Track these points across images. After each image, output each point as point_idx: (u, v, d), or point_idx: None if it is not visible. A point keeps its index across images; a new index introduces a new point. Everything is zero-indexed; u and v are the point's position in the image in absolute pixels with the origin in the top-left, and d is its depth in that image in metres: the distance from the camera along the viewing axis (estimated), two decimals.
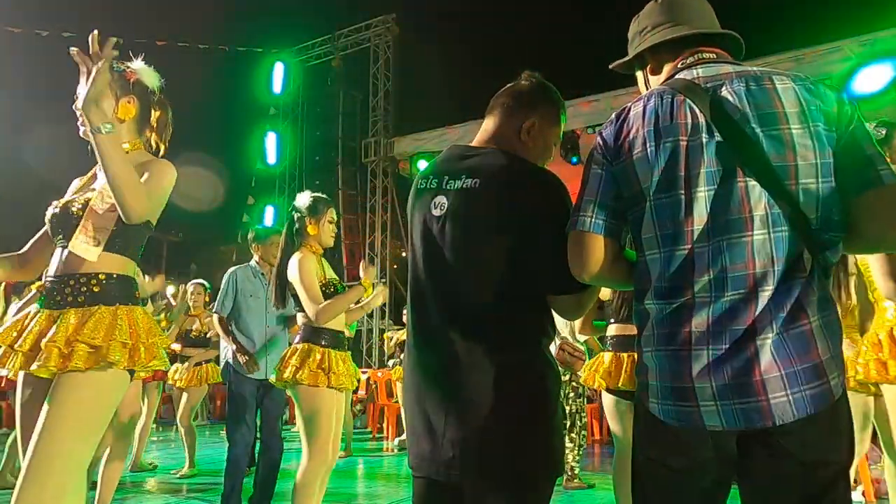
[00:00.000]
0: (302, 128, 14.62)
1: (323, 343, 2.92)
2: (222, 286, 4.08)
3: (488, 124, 1.63)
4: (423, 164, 9.88)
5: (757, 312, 1.13)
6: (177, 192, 1.96)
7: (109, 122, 1.70)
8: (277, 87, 14.02)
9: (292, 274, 2.89)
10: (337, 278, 3.05)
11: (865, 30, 7.22)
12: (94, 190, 1.87)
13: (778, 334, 1.12)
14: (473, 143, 1.63)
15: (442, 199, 1.53)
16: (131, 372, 1.81)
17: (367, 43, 13.06)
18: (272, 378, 3.01)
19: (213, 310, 4.18)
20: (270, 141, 14.02)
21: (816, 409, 1.11)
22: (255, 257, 4.15)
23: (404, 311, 5.52)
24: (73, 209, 1.82)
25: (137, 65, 1.97)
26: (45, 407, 1.67)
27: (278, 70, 13.94)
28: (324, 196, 3.11)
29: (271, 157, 14.03)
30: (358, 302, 3.07)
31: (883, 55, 6.88)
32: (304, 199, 3.08)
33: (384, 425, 8.02)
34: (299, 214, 3.05)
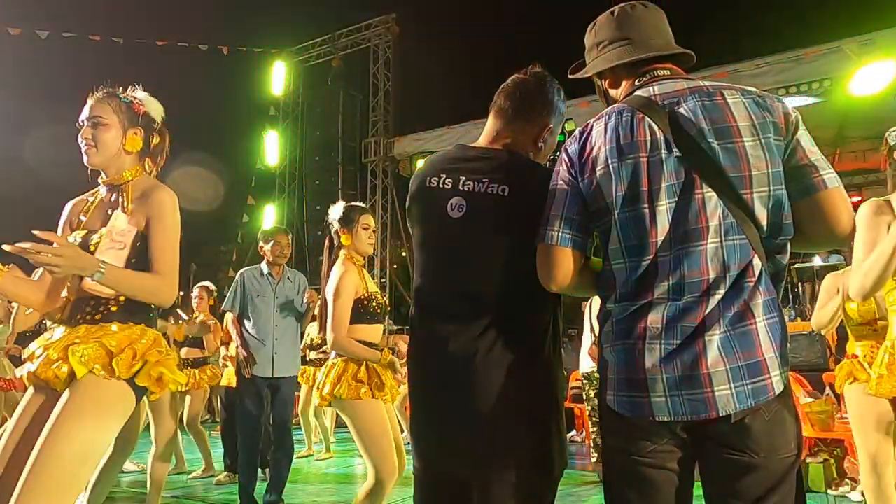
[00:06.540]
0: (302, 128, 14.61)
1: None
2: (231, 286, 4.10)
3: (497, 124, 1.62)
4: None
5: (707, 312, 1.21)
6: (177, 192, 1.97)
7: (101, 265, 1.71)
8: (277, 87, 14.01)
9: (329, 287, 2.77)
10: (379, 292, 2.91)
11: (865, 30, 7.21)
12: (98, 232, 1.89)
13: (725, 332, 1.20)
14: (482, 144, 1.63)
15: (460, 201, 1.53)
16: (143, 390, 1.84)
17: (367, 43, 13.05)
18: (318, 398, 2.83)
19: (223, 309, 4.19)
20: (270, 141, 14.01)
21: (757, 402, 1.19)
22: (266, 258, 4.08)
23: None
24: (91, 244, 1.86)
25: (143, 95, 2.02)
26: (58, 411, 1.70)
27: (278, 70, 13.93)
28: (358, 204, 3.00)
29: (271, 157, 14.03)
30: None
31: (883, 55, 6.87)
32: (335, 210, 2.98)
33: None
34: (333, 227, 2.97)
